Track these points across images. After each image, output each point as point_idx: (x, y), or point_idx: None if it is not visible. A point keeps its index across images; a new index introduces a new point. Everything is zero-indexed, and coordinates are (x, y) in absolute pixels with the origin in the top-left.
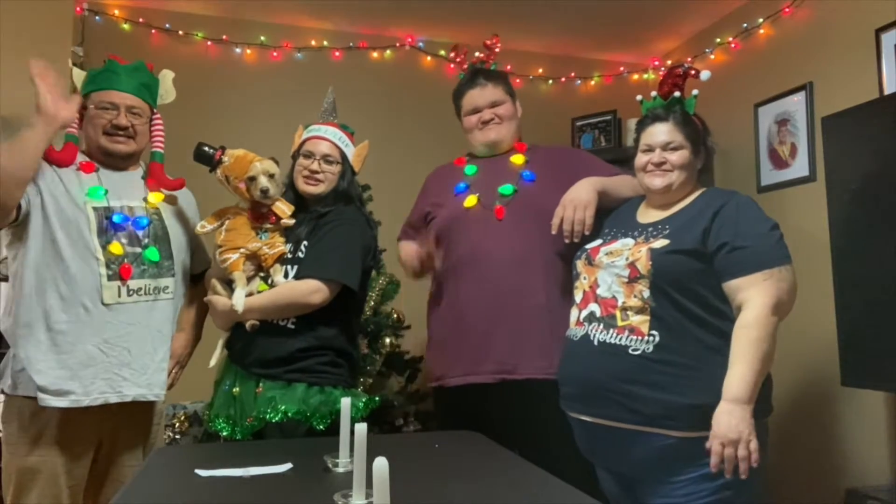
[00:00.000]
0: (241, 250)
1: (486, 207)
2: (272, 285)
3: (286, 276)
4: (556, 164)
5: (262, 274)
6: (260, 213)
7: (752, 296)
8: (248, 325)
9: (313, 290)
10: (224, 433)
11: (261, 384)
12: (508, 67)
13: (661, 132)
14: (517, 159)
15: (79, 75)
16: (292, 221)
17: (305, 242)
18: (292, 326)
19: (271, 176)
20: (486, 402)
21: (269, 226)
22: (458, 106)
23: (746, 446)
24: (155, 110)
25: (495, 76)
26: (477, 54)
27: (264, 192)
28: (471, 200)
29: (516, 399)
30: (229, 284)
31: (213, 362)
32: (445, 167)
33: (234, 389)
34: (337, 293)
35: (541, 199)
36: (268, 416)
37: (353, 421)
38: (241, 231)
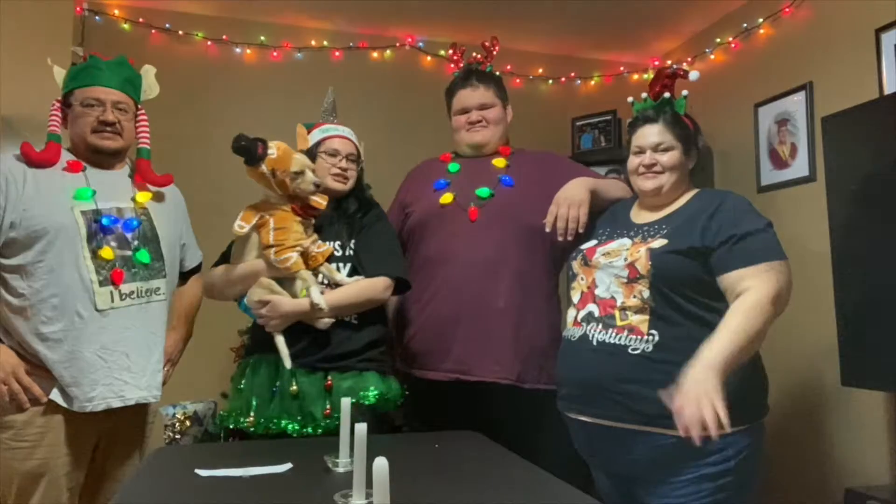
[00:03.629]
0: (297, 248)
1: (460, 207)
2: (330, 284)
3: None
4: (539, 170)
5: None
6: (304, 208)
7: (755, 284)
8: (321, 322)
9: (386, 287)
10: (291, 429)
11: (329, 377)
12: (508, 68)
13: (651, 133)
14: (498, 162)
15: (59, 73)
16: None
17: (353, 241)
18: (356, 322)
19: (313, 170)
20: (444, 398)
21: (311, 220)
22: (449, 104)
23: (710, 403)
24: (140, 106)
25: (488, 78)
26: (475, 55)
27: (318, 186)
28: (447, 198)
29: (469, 400)
30: (280, 282)
31: (288, 363)
32: (430, 161)
33: (290, 388)
34: None
35: (516, 205)
36: (365, 401)
37: (393, 406)
38: (292, 228)
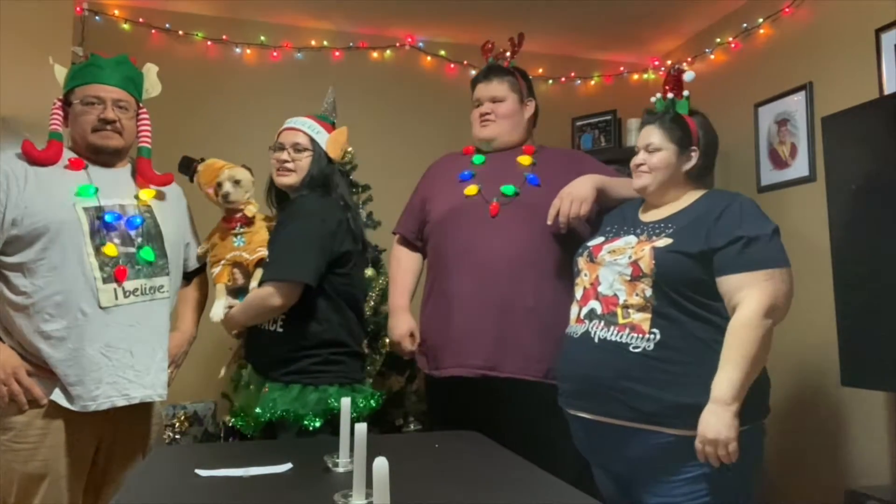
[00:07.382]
0: (222, 262)
1: (483, 199)
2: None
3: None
4: (562, 167)
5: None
6: (232, 217)
7: (750, 295)
8: (232, 333)
9: (269, 295)
10: (240, 425)
11: (267, 385)
12: None
13: (647, 134)
14: (524, 160)
15: (60, 72)
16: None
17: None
18: (280, 330)
19: (237, 182)
20: (473, 396)
21: (242, 229)
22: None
23: (725, 448)
24: (141, 105)
25: (504, 72)
26: (502, 50)
27: (225, 196)
28: (471, 189)
29: (500, 396)
30: (235, 293)
31: (223, 372)
32: (452, 155)
33: (249, 387)
34: (305, 291)
35: (540, 205)
36: (261, 417)
37: (356, 420)
38: (221, 242)
